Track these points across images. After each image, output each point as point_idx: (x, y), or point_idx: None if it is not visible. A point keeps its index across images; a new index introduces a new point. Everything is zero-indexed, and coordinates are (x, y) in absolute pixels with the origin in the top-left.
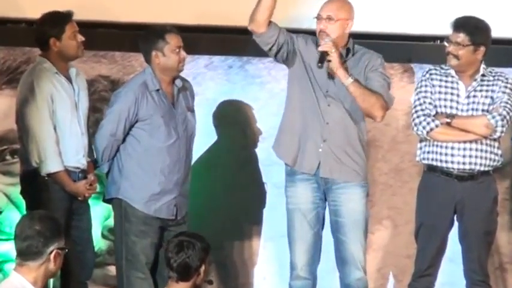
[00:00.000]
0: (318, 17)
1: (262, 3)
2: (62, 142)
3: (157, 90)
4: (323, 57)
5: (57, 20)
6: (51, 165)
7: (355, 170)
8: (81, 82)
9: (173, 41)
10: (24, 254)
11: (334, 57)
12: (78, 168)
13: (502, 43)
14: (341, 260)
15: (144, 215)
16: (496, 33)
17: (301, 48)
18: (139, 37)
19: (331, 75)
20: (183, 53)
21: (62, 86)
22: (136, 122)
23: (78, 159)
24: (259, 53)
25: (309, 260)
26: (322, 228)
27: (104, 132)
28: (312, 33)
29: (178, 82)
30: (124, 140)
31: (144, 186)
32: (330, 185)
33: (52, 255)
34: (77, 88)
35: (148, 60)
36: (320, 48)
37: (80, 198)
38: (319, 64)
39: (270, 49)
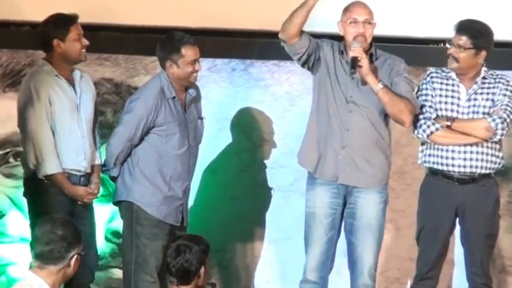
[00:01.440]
0: (355, 21)
1: (298, 16)
2: (60, 144)
3: (173, 97)
4: (354, 63)
5: (62, 22)
6: (49, 167)
7: (373, 176)
8: (86, 85)
9: (188, 53)
10: (46, 258)
11: (365, 63)
12: (78, 171)
13: (505, 46)
14: (351, 264)
15: (155, 218)
16: (499, 36)
17: (326, 54)
18: (159, 42)
19: (363, 82)
20: (197, 65)
21: (62, 88)
22: (153, 127)
23: (78, 161)
24: (263, 56)
25: (319, 265)
26: (338, 234)
27: (121, 137)
28: (325, 36)
29: (192, 91)
30: (137, 145)
31: (156, 191)
32: (351, 188)
33: (73, 260)
34: (79, 91)
35: (163, 66)
36: (352, 54)
37: (79, 202)
38: (352, 70)
39: (299, 59)
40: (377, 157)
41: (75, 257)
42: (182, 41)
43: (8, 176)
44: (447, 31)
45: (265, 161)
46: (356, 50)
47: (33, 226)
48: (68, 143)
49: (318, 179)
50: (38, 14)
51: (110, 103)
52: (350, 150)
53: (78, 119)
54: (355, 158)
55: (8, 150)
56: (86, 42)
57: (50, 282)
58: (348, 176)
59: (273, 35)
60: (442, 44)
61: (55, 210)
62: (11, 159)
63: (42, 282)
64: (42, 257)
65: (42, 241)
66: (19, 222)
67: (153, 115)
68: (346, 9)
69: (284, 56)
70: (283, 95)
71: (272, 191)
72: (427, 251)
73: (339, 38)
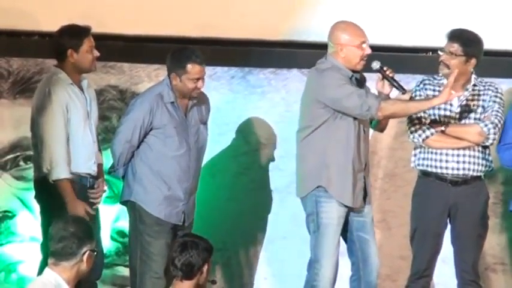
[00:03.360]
0: (363, 44)
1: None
2: (75, 150)
3: (172, 102)
4: (398, 82)
5: (76, 33)
6: (59, 172)
7: None
8: (92, 93)
9: (193, 71)
10: (59, 255)
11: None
12: (89, 174)
13: (493, 54)
14: (363, 259)
15: (156, 217)
16: (487, 45)
17: None
18: (171, 51)
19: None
20: (200, 83)
21: (76, 96)
22: (151, 129)
23: (89, 165)
24: (260, 64)
25: (336, 271)
26: None
27: (120, 138)
28: (319, 45)
29: (194, 99)
30: (138, 146)
31: (156, 190)
32: None
33: (85, 256)
34: (88, 98)
35: (168, 75)
36: (392, 74)
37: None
38: (405, 90)
39: None
40: None
41: (87, 253)
42: (190, 58)
43: (18, 178)
44: (436, 40)
45: (263, 164)
46: (390, 70)
47: (45, 227)
48: (81, 148)
49: None
50: (47, 24)
51: (115, 109)
52: (367, 173)
53: (90, 125)
54: (369, 178)
55: (18, 153)
56: (97, 53)
57: (65, 277)
58: (370, 196)
59: (271, 44)
60: (431, 53)
61: (67, 211)
62: (21, 163)
63: (57, 277)
64: (56, 254)
65: (55, 239)
66: (29, 223)
67: (150, 117)
68: (348, 33)
69: (281, 64)
70: (279, 101)
71: (272, 193)
72: (422, 251)
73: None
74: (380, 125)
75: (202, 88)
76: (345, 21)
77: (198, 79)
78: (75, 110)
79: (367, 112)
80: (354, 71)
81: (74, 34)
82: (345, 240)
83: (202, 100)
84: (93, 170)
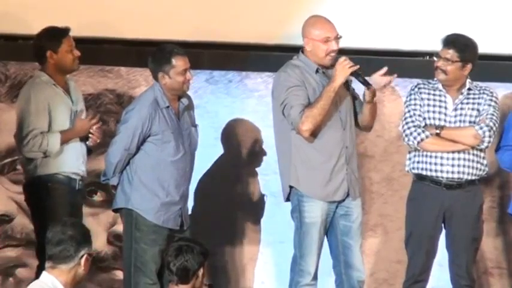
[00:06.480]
0: (328, 39)
1: (324, 111)
2: (62, 152)
3: (167, 107)
4: (364, 78)
5: (54, 34)
6: (55, 143)
7: (360, 183)
8: (79, 94)
9: (179, 63)
10: (57, 258)
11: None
12: (78, 174)
13: (488, 59)
14: (346, 263)
15: (154, 224)
16: (482, 49)
17: (306, 85)
18: (150, 55)
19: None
20: (188, 75)
21: (59, 97)
22: (149, 136)
23: (77, 165)
24: (258, 67)
25: (316, 267)
26: None
27: (118, 147)
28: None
29: (184, 100)
30: (134, 154)
31: (154, 198)
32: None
33: (83, 260)
34: (75, 99)
35: (155, 78)
36: (355, 70)
37: (89, 143)
38: (370, 86)
39: None
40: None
41: (85, 256)
42: (172, 53)
43: (16, 182)
44: (432, 44)
45: (260, 168)
46: (352, 66)
47: (38, 229)
48: (69, 150)
49: None
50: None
51: (112, 113)
52: (351, 166)
53: None
54: (355, 172)
55: (16, 157)
56: (77, 53)
57: (62, 281)
58: (355, 191)
59: (268, 48)
60: (427, 57)
61: (59, 212)
62: (18, 166)
63: (54, 280)
64: (54, 257)
65: (53, 242)
66: (26, 226)
67: (148, 124)
68: (315, 27)
69: (278, 68)
70: None
71: (265, 197)
72: (417, 255)
73: None
74: (363, 124)
75: (191, 79)
76: (316, 16)
77: (185, 70)
78: (58, 111)
79: (292, 127)
80: (325, 67)
81: (52, 35)
82: (329, 240)
83: (189, 102)
84: (81, 170)
